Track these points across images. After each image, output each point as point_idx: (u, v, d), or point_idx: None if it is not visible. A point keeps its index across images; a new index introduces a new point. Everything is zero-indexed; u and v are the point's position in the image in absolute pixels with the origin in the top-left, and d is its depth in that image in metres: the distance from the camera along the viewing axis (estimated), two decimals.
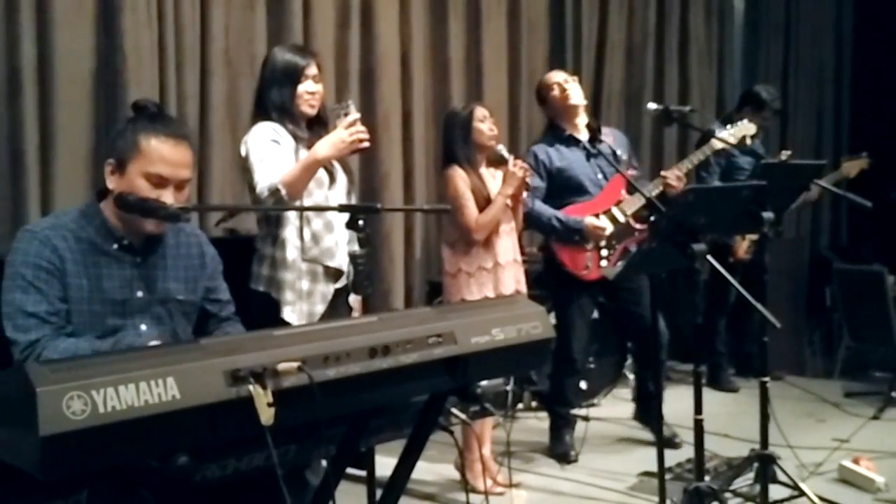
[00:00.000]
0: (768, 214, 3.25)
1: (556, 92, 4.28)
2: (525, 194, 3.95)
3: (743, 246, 5.45)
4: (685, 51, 7.32)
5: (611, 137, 4.34)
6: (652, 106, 4.20)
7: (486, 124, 3.80)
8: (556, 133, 4.34)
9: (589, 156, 4.27)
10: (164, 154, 2.15)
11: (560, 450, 4.30)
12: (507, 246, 3.82)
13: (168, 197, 2.15)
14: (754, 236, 5.38)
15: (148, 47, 4.03)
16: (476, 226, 3.72)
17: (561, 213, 4.17)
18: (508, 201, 3.76)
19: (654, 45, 7.04)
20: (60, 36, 3.78)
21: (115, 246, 2.20)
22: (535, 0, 6.19)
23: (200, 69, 4.31)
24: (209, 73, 4.34)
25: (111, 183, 2.18)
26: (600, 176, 4.27)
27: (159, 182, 2.15)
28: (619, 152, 4.28)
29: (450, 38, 5.55)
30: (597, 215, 4.15)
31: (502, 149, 3.82)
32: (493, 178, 3.88)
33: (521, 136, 6.05)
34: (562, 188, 4.20)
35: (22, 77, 3.67)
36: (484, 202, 3.74)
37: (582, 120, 4.33)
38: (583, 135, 4.27)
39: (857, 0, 8.73)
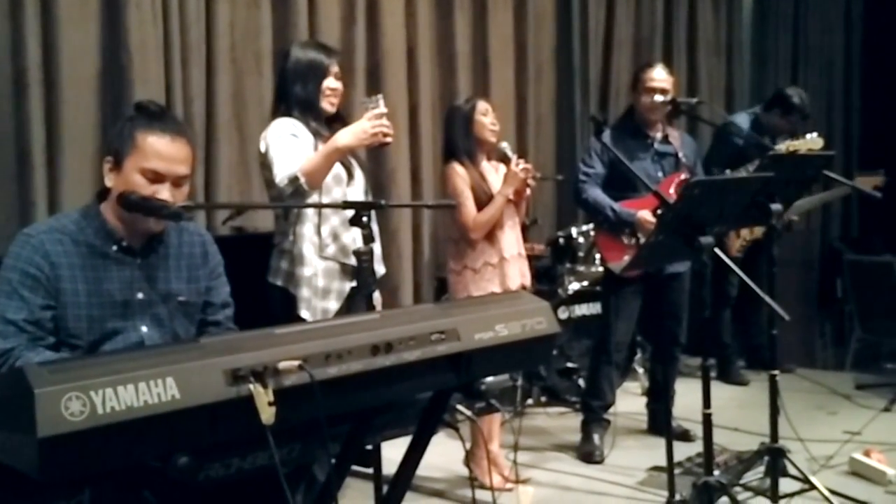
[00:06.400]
0: (776, 206, 3.23)
1: (646, 99, 4.25)
2: (582, 176, 4.19)
3: (735, 245, 5.39)
4: (693, 43, 7.29)
5: (678, 141, 4.35)
6: (659, 98, 4.20)
7: (488, 118, 3.80)
8: (630, 124, 4.37)
9: (655, 153, 4.28)
10: (158, 149, 2.14)
11: (586, 449, 4.28)
12: (512, 240, 3.81)
13: (165, 193, 2.15)
14: (749, 235, 5.35)
15: (153, 45, 4.03)
16: (473, 225, 3.71)
17: (616, 205, 4.17)
18: (511, 196, 3.75)
19: (662, 36, 7.01)
20: (65, 35, 3.79)
21: (115, 248, 2.19)
22: None
23: (206, 66, 4.32)
24: (215, 70, 4.35)
25: (109, 180, 2.19)
26: (660, 174, 4.25)
27: (155, 178, 2.15)
28: (680, 155, 4.28)
29: (456, 33, 5.54)
30: (652, 211, 4.08)
31: (506, 147, 3.81)
32: (495, 172, 3.88)
33: (527, 131, 6.04)
34: (619, 180, 4.16)
35: (27, 77, 3.67)
36: (484, 198, 3.73)
37: (660, 119, 4.33)
38: (655, 131, 4.31)
39: None
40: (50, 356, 2.06)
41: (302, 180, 2.94)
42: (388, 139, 3.06)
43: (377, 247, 2.94)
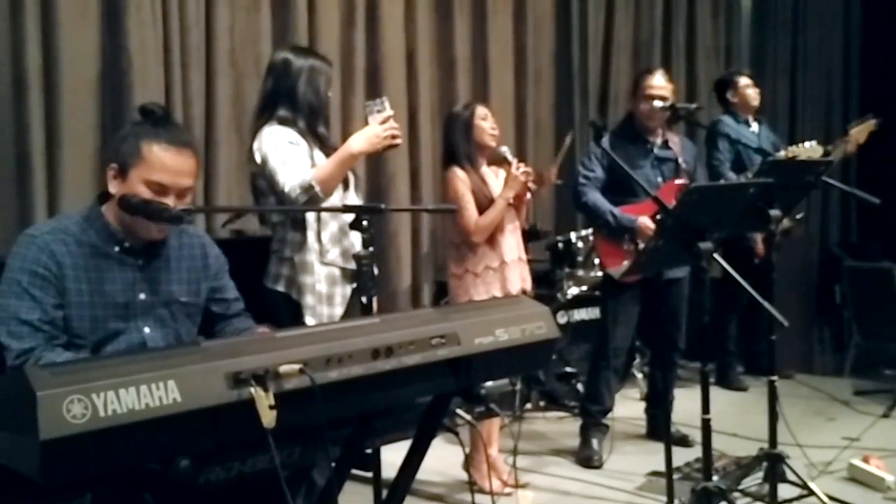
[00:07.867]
0: (776, 212, 3.23)
1: (644, 106, 4.25)
2: (582, 179, 4.18)
3: (762, 246, 5.31)
4: (692, 47, 7.30)
5: (678, 146, 4.35)
6: (658, 104, 4.20)
7: (487, 122, 3.81)
8: (629, 129, 4.37)
9: (655, 159, 4.28)
10: (165, 162, 2.14)
11: (585, 454, 4.27)
12: (512, 244, 3.82)
13: (169, 203, 2.15)
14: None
15: (153, 48, 4.02)
16: (475, 228, 3.72)
17: (617, 210, 4.17)
18: (511, 199, 3.75)
19: (661, 41, 7.02)
20: (65, 38, 3.77)
21: (117, 249, 2.20)
22: None
23: (206, 69, 4.31)
24: (214, 73, 4.34)
25: (113, 187, 2.18)
26: (660, 179, 4.25)
27: (160, 190, 2.14)
28: (680, 160, 4.28)
29: (455, 36, 5.55)
30: (652, 217, 4.04)
31: (506, 150, 3.82)
32: (495, 177, 3.88)
33: (527, 134, 6.04)
34: (619, 185, 4.16)
35: (27, 80, 3.66)
36: (485, 202, 3.74)
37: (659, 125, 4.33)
38: (655, 137, 4.30)
39: None
40: (70, 356, 2.06)
41: (317, 189, 2.91)
42: (398, 141, 3.06)
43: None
